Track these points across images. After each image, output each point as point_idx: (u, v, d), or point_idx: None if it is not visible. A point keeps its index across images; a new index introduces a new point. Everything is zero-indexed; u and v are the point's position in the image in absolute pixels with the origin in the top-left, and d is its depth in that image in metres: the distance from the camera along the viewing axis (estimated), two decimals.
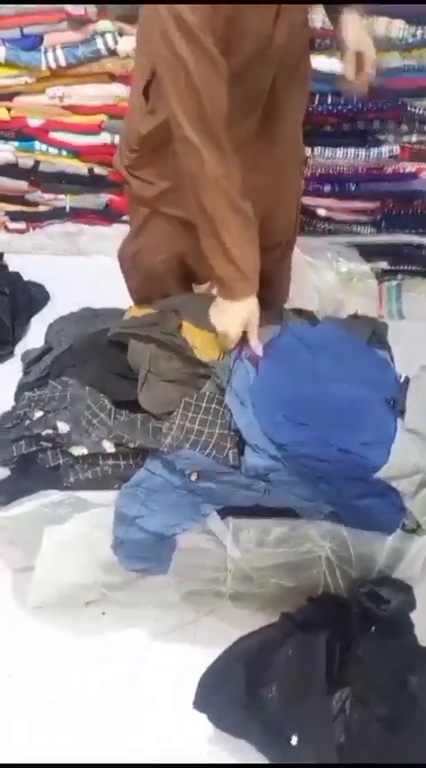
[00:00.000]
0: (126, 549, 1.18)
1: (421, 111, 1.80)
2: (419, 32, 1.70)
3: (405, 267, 2.09)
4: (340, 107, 1.80)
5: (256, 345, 1.24)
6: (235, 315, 1.21)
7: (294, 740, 1.10)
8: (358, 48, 1.28)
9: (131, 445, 1.13)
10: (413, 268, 2.09)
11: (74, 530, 1.18)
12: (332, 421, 1.15)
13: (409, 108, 1.79)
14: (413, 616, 1.20)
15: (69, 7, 1.82)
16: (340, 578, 1.28)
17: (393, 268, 2.10)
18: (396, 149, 1.86)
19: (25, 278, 2.17)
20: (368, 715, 1.10)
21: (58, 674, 1.33)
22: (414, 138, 1.85)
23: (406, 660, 1.17)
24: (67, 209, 2.21)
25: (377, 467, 1.10)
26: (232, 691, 1.19)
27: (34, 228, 2.28)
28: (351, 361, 1.29)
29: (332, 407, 1.17)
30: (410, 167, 1.89)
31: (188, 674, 1.24)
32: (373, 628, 1.17)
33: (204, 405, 1.15)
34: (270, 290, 1.65)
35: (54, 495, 1.17)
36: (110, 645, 1.36)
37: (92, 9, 1.83)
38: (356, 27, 1.29)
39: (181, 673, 1.29)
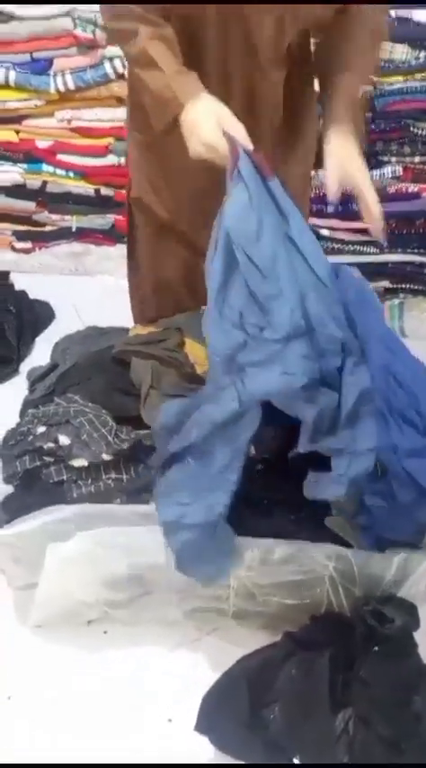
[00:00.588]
0: (187, 557, 1.14)
1: (423, 133, 1.83)
2: (422, 55, 1.73)
3: (407, 286, 2.11)
4: None
5: (245, 138, 1.06)
6: (199, 120, 1.06)
7: (296, 761, 1.09)
8: (344, 183, 1.16)
9: (126, 446, 1.13)
10: (415, 287, 2.11)
11: (77, 547, 1.18)
12: None
13: (412, 129, 1.82)
14: (417, 636, 1.19)
15: (78, 32, 1.87)
16: (343, 597, 1.27)
17: (395, 287, 2.12)
18: (399, 170, 1.89)
19: (31, 297, 2.19)
20: (371, 736, 1.09)
21: (59, 694, 1.31)
22: (417, 159, 1.87)
23: (410, 680, 1.15)
24: (74, 230, 2.24)
25: None
26: (234, 712, 1.18)
27: (40, 248, 2.31)
28: None
29: None
30: (412, 188, 1.92)
31: (190, 695, 1.23)
32: (376, 647, 1.16)
33: None
34: None
35: (58, 513, 1.17)
36: (112, 664, 1.35)
37: (100, 34, 1.87)
38: (341, 156, 1.17)
39: (183, 693, 1.28)
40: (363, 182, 1.17)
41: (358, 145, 1.19)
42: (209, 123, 1.05)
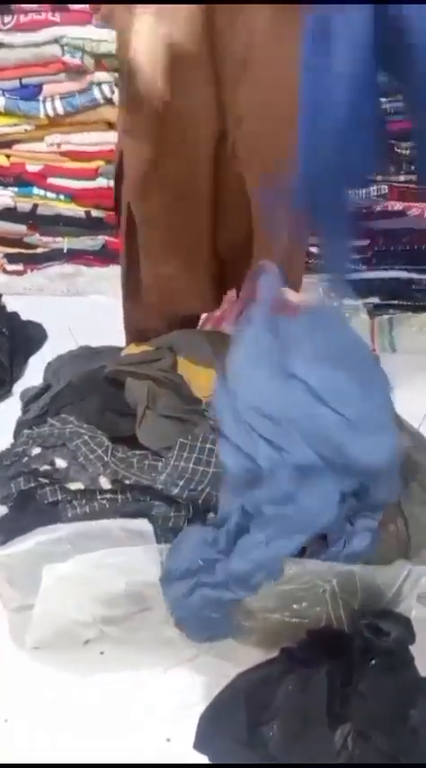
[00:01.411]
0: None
1: (407, 153, 1.86)
2: None
3: (396, 302, 2.13)
4: None
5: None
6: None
7: None
8: None
9: (127, 482, 1.15)
10: (404, 303, 2.13)
11: (73, 569, 1.18)
12: None
13: (396, 149, 1.85)
14: (413, 649, 1.20)
15: (67, 58, 1.90)
16: (342, 610, 1.27)
17: (384, 303, 2.14)
18: (385, 189, 1.92)
19: (23, 318, 2.20)
20: (370, 750, 1.09)
21: (56, 715, 1.31)
22: (402, 178, 1.91)
23: (407, 693, 1.16)
24: (65, 251, 2.26)
25: None
26: (232, 730, 1.17)
27: (32, 270, 2.33)
28: None
29: None
30: (398, 206, 1.95)
31: (188, 713, 1.23)
32: (374, 661, 1.17)
33: (199, 444, 1.17)
34: None
35: (52, 532, 1.18)
36: (109, 684, 1.34)
37: (89, 60, 1.91)
38: None
39: (181, 712, 1.27)
40: None
41: None
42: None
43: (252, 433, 1.05)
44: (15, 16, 1.88)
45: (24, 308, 2.23)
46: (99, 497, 1.18)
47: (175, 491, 1.13)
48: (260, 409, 1.05)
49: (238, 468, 1.07)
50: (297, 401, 1.06)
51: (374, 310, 2.14)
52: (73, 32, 1.88)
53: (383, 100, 1.77)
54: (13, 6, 1.87)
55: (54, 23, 1.87)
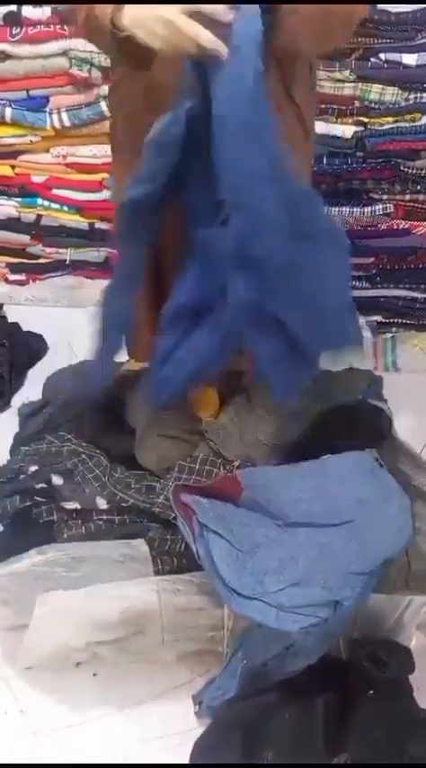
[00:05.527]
0: None
1: (413, 171, 1.85)
2: (411, 97, 1.77)
3: (400, 321, 2.12)
4: (335, 167, 1.85)
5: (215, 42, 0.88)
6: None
7: None
8: None
9: (124, 504, 1.13)
10: (407, 321, 2.12)
11: (68, 600, 1.15)
12: None
13: (402, 168, 1.85)
14: (413, 678, 1.17)
15: (74, 71, 1.90)
16: (341, 639, 1.26)
17: (387, 321, 2.13)
18: (390, 207, 1.91)
19: (24, 329, 2.19)
20: None
21: (46, 738, 1.28)
22: (407, 197, 1.90)
23: (405, 725, 1.13)
24: (68, 262, 2.25)
25: None
26: (227, 757, 1.15)
27: (34, 280, 2.32)
28: None
29: None
30: (403, 224, 1.94)
31: (182, 740, 1.21)
32: (372, 691, 1.15)
33: (197, 467, 1.15)
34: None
35: (47, 554, 1.15)
36: (101, 707, 1.32)
37: (96, 73, 1.90)
38: None
39: (175, 738, 1.25)
40: None
41: None
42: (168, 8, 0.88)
43: None
44: (24, 28, 1.87)
45: (26, 318, 2.22)
46: (95, 518, 1.16)
47: (173, 515, 1.11)
48: None
49: None
50: None
51: (377, 329, 2.13)
52: (81, 45, 1.87)
53: (390, 120, 1.78)
54: (22, 18, 1.87)
55: (62, 36, 1.86)
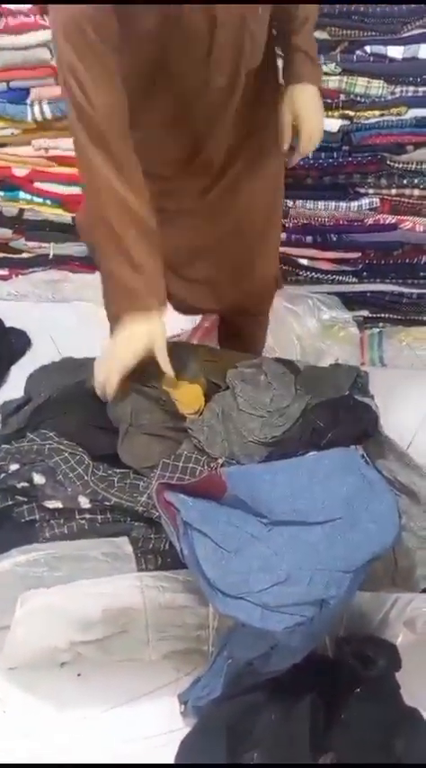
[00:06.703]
0: None
1: (399, 166, 1.84)
2: (397, 90, 1.75)
3: (386, 315, 2.12)
4: (321, 161, 1.84)
5: (169, 369, 1.16)
6: (141, 334, 1.13)
7: None
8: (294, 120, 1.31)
9: (107, 503, 1.11)
10: (394, 316, 2.12)
11: (50, 599, 1.14)
12: None
13: (388, 162, 1.84)
14: (399, 676, 1.17)
15: (55, 63, 1.87)
16: (327, 637, 1.25)
17: (374, 316, 2.13)
18: (376, 202, 1.90)
19: (7, 324, 2.16)
20: None
21: (31, 740, 1.27)
22: (394, 191, 1.89)
23: (392, 723, 1.13)
24: (51, 257, 2.22)
25: None
26: (213, 757, 1.14)
27: (17, 275, 2.29)
28: None
29: None
30: (390, 219, 1.93)
31: (167, 740, 1.19)
32: (358, 689, 1.14)
33: (181, 465, 1.14)
34: (245, 343, 1.66)
35: (29, 554, 1.14)
36: (85, 708, 1.30)
37: None
38: (298, 100, 1.29)
39: (161, 738, 1.24)
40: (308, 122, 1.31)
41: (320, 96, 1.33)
42: (147, 342, 1.12)
43: None
44: (4, 19, 1.84)
45: (8, 313, 2.20)
46: (77, 517, 1.14)
47: (156, 513, 1.09)
48: None
49: None
50: None
51: (364, 323, 2.12)
52: None
53: (376, 114, 1.77)
54: (2, 9, 1.83)
55: (43, 27, 1.83)
